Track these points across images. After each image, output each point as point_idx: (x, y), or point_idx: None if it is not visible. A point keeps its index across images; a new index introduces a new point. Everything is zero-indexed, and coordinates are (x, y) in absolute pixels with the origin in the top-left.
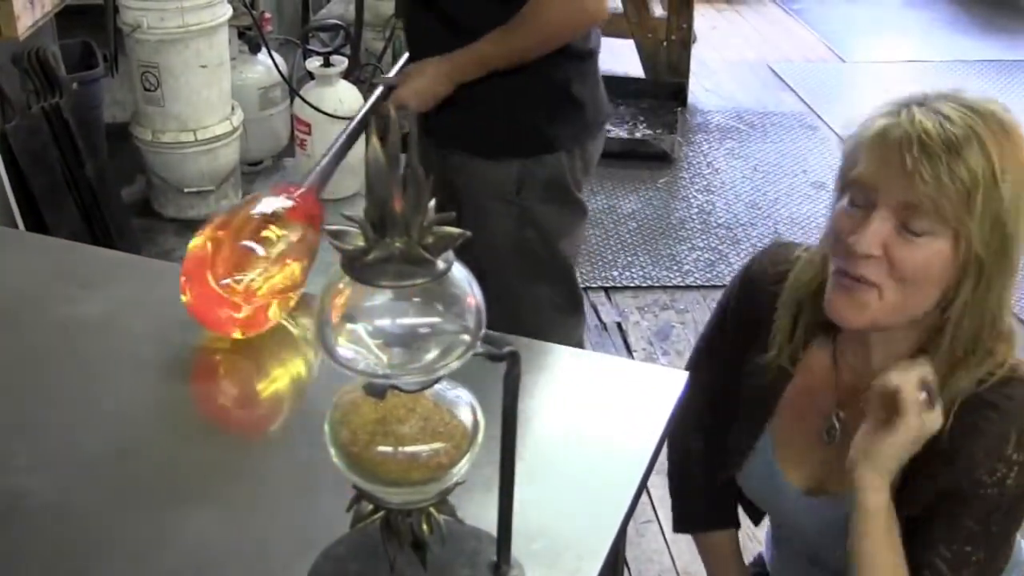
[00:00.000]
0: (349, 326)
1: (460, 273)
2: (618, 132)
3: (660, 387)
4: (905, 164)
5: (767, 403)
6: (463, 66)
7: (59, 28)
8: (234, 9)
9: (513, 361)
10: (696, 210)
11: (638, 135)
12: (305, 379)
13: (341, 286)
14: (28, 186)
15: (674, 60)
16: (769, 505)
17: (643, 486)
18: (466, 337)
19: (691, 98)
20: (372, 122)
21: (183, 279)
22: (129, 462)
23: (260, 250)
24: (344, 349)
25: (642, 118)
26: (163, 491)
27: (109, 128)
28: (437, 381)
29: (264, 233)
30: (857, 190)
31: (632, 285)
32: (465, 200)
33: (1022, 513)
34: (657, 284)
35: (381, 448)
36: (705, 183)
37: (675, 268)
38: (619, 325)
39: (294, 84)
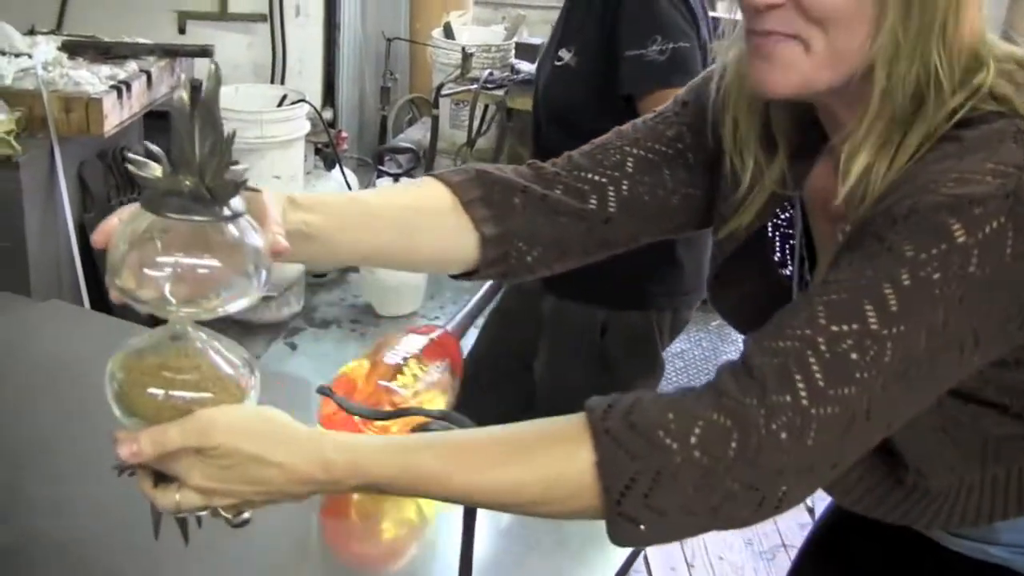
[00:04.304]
0: (137, 256)
1: (246, 225)
2: None
3: None
4: None
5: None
6: None
7: (150, 130)
8: (313, 126)
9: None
10: None
11: None
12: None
13: (137, 220)
14: (100, 276)
15: None
16: None
17: None
18: (245, 283)
19: None
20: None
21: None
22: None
23: (401, 392)
24: (130, 279)
25: None
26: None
27: None
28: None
29: (403, 372)
30: None
31: None
32: (549, 334)
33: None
34: None
35: (151, 390)
36: None
37: None
38: None
39: None
